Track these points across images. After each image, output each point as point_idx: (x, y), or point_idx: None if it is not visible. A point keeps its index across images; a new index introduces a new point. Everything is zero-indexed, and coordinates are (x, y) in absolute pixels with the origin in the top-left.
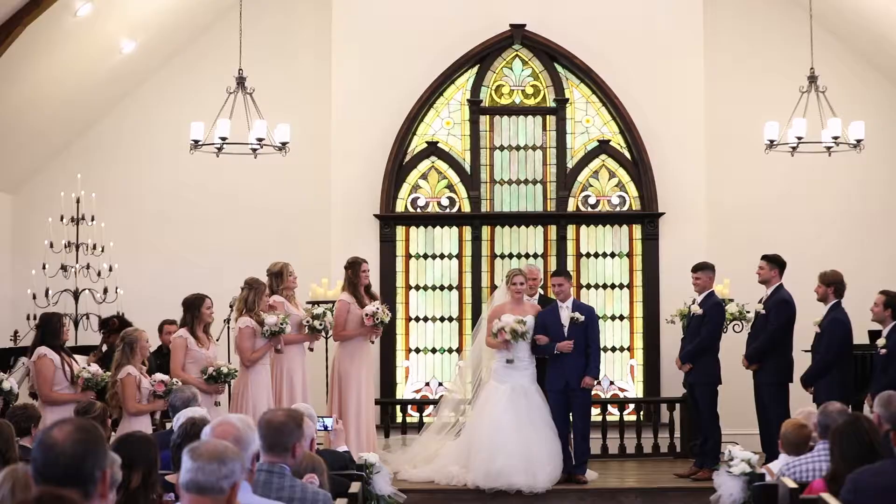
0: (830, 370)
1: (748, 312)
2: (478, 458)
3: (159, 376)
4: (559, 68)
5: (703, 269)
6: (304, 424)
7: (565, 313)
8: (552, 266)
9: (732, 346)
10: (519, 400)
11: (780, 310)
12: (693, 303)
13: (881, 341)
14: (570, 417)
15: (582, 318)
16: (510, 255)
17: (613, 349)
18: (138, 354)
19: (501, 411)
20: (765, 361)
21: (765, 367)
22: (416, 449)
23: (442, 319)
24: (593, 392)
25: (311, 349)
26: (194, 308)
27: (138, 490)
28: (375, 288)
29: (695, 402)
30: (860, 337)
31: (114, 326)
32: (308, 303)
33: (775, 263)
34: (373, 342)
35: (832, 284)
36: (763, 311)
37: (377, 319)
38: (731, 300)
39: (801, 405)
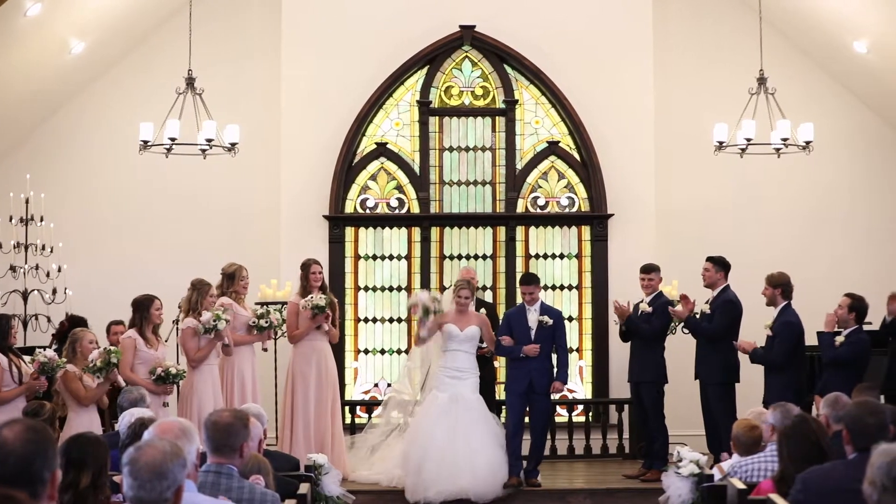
0: (784, 371)
1: (696, 314)
2: (410, 473)
3: (95, 352)
4: (509, 70)
5: (656, 271)
6: (250, 424)
7: (533, 316)
8: (501, 267)
9: (679, 347)
10: (455, 411)
11: (725, 310)
12: (641, 302)
13: (840, 339)
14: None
15: (550, 321)
16: (459, 257)
17: None
18: (79, 354)
19: (433, 424)
20: (710, 361)
21: (710, 368)
22: (361, 451)
23: (391, 320)
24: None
25: (265, 349)
26: (143, 308)
27: (87, 490)
28: None
29: (640, 401)
30: (810, 338)
31: (64, 328)
32: (256, 304)
33: (721, 265)
34: (323, 328)
35: (779, 286)
36: (709, 312)
37: (311, 307)
38: (679, 301)
39: (748, 406)
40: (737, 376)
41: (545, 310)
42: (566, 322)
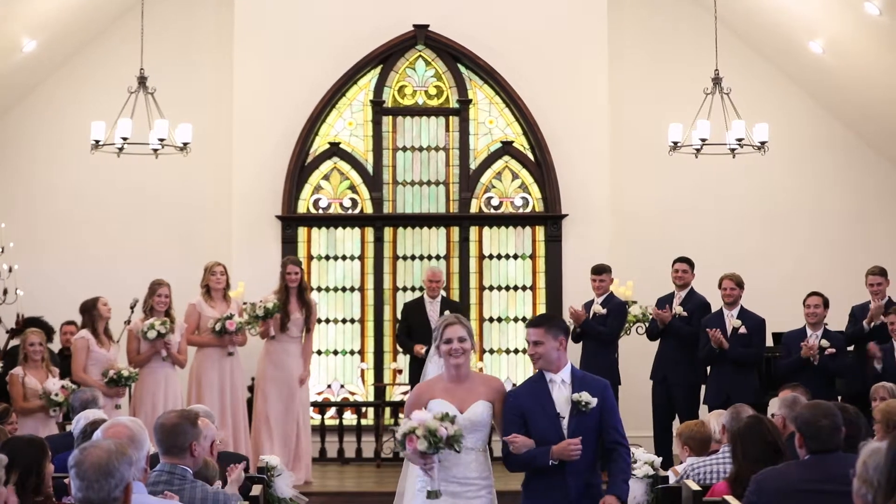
0: (757, 368)
1: (651, 315)
2: None
3: (57, 382)
4: (462, 69)
5: (607, 272)
6: (199, 424)
7: (561, 392)
8: (455, 268)
9: (632, 347)
10: None
11: (703, 313)
12: (593, 303)
13: (824, 343)
14: None
15: (594, 401)
16: (412, 257)
17: (516, 351)
18: (27, 356)
19: None
20: (681, 362)
21: (681, 369)
22: None
23: (344, 321)
24: None
25: (231, 353)
26: (90, 309)
27: (18, 490)
28: None
29: None
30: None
31: (18, 328)
32: (244, 303)
33: (692, 266)
34: (271, 336)
35: (743, 286)
36: (684, 314)
37: (255, 312)
38: (635, 302)
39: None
40: (703, 377)
41: (580, 381)
42: (521, 323)
